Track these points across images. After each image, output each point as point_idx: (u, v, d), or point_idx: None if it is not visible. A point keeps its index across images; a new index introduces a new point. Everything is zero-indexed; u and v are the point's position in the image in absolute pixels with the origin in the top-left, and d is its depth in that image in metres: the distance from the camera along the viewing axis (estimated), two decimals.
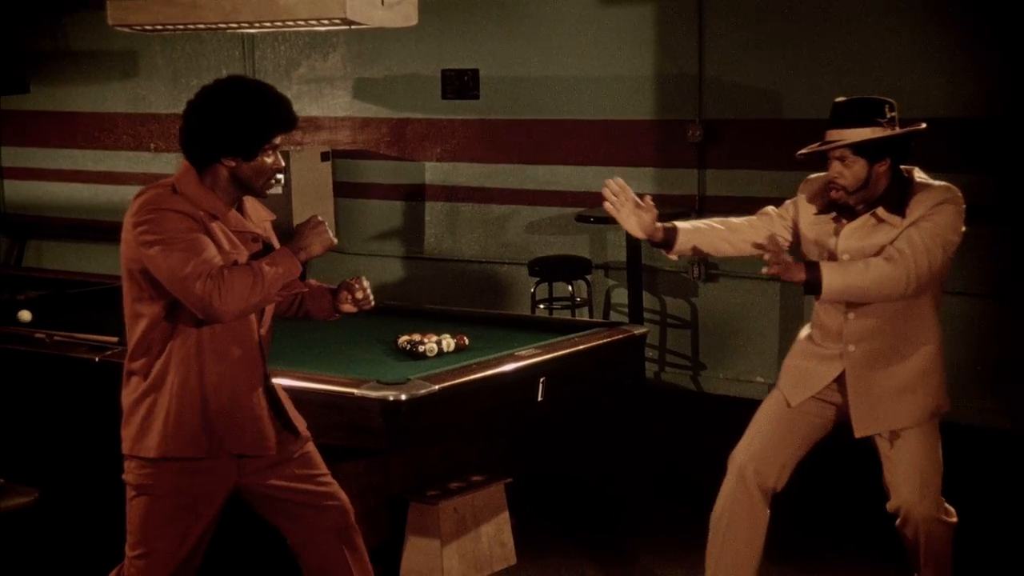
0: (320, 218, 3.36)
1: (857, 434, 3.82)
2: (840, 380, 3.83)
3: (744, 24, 6.87)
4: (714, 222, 3.95)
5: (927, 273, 3.62)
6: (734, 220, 3.94)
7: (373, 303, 3.50)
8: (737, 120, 6.95)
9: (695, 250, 3.94)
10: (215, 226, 3.20)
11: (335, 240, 3.37)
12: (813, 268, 3.64)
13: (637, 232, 3.86)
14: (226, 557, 3.56)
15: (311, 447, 3.47)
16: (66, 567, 4.69)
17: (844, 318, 3.79)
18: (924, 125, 3.75)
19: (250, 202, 3.37)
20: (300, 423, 3.44)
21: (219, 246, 3.18)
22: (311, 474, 3.43)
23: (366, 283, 3.49)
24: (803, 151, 3.80)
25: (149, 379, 3.23)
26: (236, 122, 3.18)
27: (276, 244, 3.37)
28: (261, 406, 3.33)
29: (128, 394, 3.29)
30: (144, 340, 3.24)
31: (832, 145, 3.67)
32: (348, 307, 3.49)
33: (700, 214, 7.06)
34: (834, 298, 3.67)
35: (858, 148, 3.65)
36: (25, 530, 4.55)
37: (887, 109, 3.69)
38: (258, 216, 3.39)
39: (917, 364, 3.78)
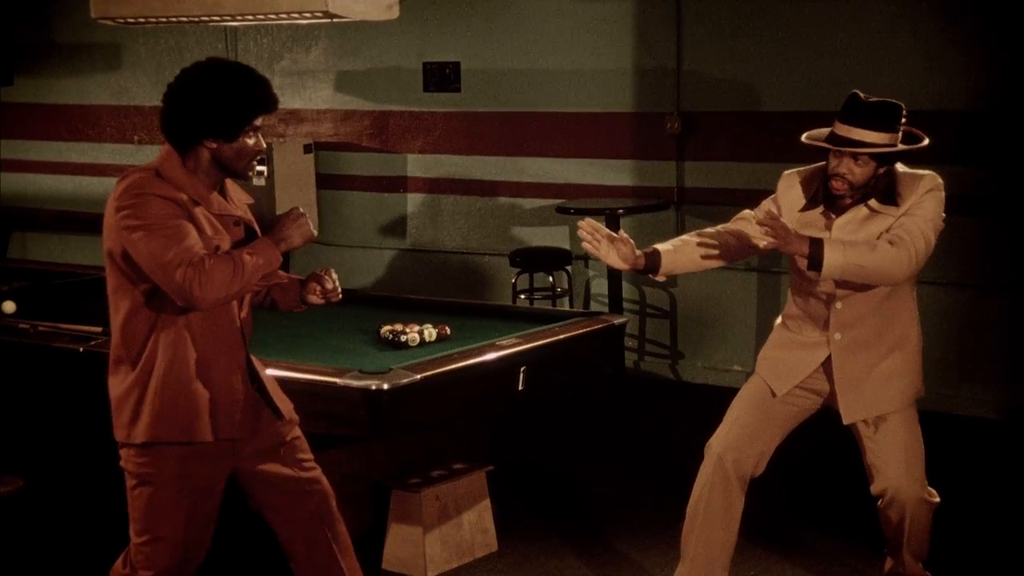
0: (301, 210, 3.36)
1: (846, 420, 3.86)
2: (824, 367, 3.88)
3: (722, 17, 6.91)
4: (692, 237, 3.95)
5: (923, 258, 3.69)
6: (710, 231, 3.94)
7: (341, 295, 3.50)
8: (715, 112, 7.00)
9: (682, 269, 3.96)
10: (198, 211, 3.20)
11: (315, 232, 3.38)
12: (816, 243, 3.64)
13: (620, 264, 3.85)
14: (227, 552, 3.59)
15: (299, 432, 3.49)
16: (52, 556, 4.71)
17: (831, 307, 3.83)
18: (927, 143, 3.76)
19: (231, 185, 3.37)
20: (286, 405, 3.45)
21: (201, 231, 3.19)
22: (299, 459, 3.45)
23: (335, 275, 3.49)
24: (815, 143, 3.76)
25: (138, 366, 3.23)
26: (217, 103, 3.18)
27: (256, 227, 3.38)
28: (245, 389, 3.34)
29: (117, 383, 3.29)
30: (128, 326, 3.24)
31: (860, 150, 3.65)
32: (315, 298, 3.48)
33: (679, 206, 7.12)
34: (834, 275, 3.67)
35: (877, 154, 3.68)
36: (10, 519, 4.57)
37: (903, 114, 3.72)
38: (239, 198, 3.39)
39: (900, 350, 3.85)
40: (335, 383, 3.98)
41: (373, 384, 3.93)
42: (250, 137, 3.25)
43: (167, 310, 3.21)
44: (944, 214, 3.78)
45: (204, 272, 3.10)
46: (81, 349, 4.53)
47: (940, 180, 3.78)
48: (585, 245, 3.85)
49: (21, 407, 4.99)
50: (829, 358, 3.87)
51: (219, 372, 3.28)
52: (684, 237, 3.97)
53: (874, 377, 3.83)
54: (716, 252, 3.92)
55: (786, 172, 3.97)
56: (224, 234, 3.26)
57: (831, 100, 3.82)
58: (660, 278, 3.95)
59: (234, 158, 3.25)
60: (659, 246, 3.91)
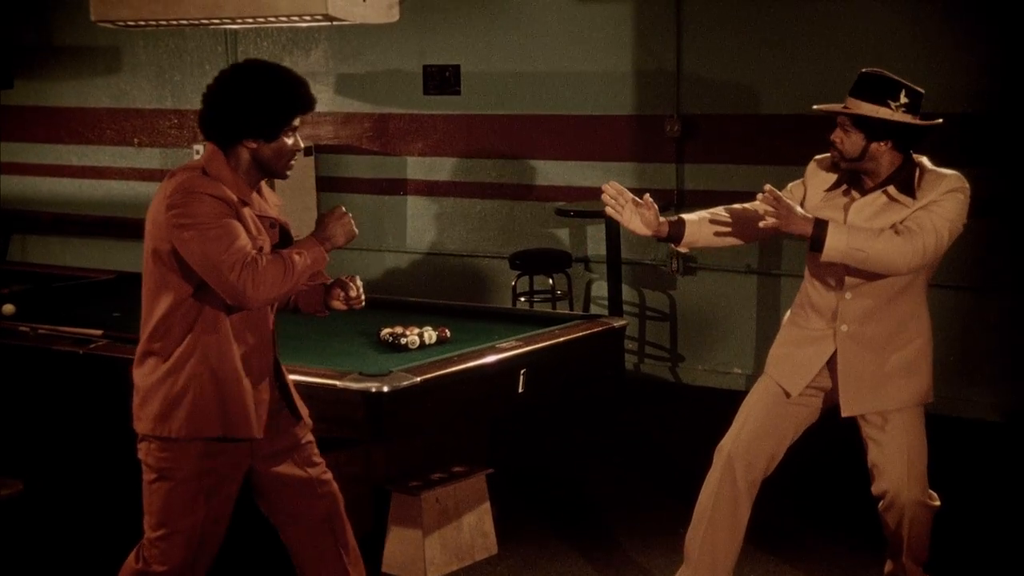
0: (344, 208, 3.38)
1: (844, 412, 3.83)
2: (830, 363, 3.84)
3: (722, 19, 6.91)
4: (718, 210, 3.92)
5: (932, 254, 3.66)
6: (736, 207, 3.91)
7: (364, 303, 3.52)
8: (715, 115, 7.00)
9: (705, 242, 3.89)
10: (245, 211, 3.24)
11: (357, 231, 3.40)
12: (820, 224, 3.62)
13: (643, 230, 3.80)
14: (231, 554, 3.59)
15: (311, 436, 3.51)
16: (52, 559, 4.71)
17: (840, 297, 3.79)
18: (940, 120, 3.77)
19: (263, 186, 3.40)
20: (304, 410, 3.49)
21: (248, 231, 3.21)
22: (312, 461, 3.47)
23: (359, 282, 3.50)
24: (817, 107, 3.81)
25: (171, 360, 3.23)
26: (257, 104, 3.20)
27: (290, 229, 3.41)
28: (272, 391, 3.37)
29: (145, 374, 3.28)
30: (165, 321, 3.25)
31: (838, 111, 3.71)
32: (339, 304, 3.49)
33: (679, 208, 7.12)
34: (835, 258, 3.63)
35: (857, 121, 3.68)
36: (10, 522, 4.57)
37: (903, 94, 3.71)
38: (272, 199, 3.43)
39: (907, 351, 3.82)
40: (335, 385, 3.98)
41: (373, 386, 3.93)
42: (289, 137, 3.28)
43: (208, 308, 3.23)
44: (966, 219, 3.74)
45: (258, 273, 3.13)
46: (81, 352, 4.53)
47: (966, 183, 3.75)
48: (607, 209, 3.79)
49: (21, 410, 4.98)
50: (835, 353, 3.83)
51: (253, 371, 3.31)
52: (711, 210, 3.93)
53: (877, 373, 3.80)
54: (741, 228, 3.89)
55: (815, 157, 3.95)
56: (265, 235, 3.30)
57: (831, 102, 3.82)
58: (683, 249, 3.89)
59: (273, 158, 3.27)
60: (685, 216, 3.87)
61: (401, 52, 7.82)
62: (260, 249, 3.23)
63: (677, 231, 3.83)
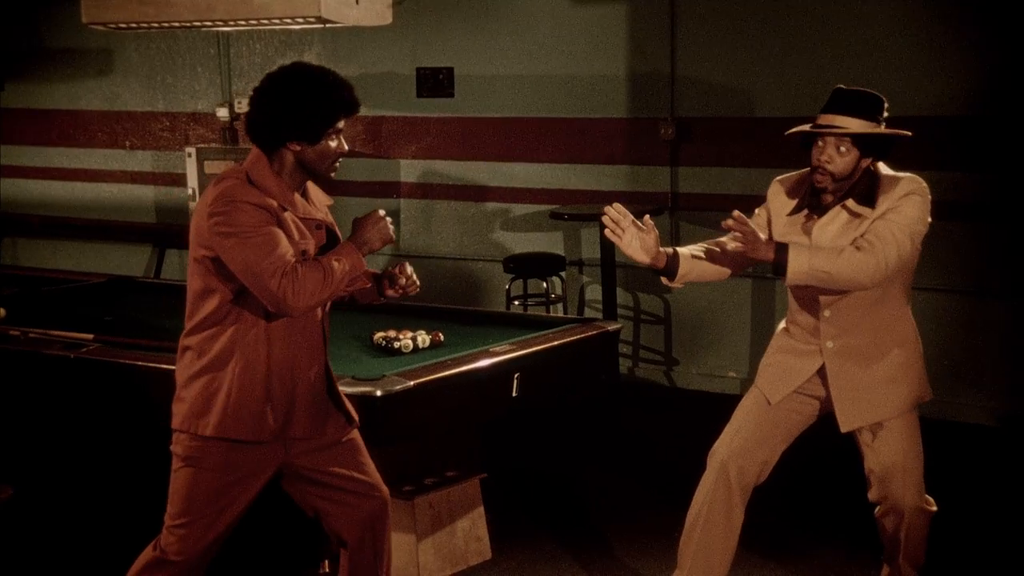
0: (382, 212, 3.42)
1: (843, 429, 3.83)
2: (821, 374, 3.85)
3: (716, 23, 6.91)
4: (709, 245, 3.90)
5: (896, 263, 3.64)
6: (723, 239, 3.88)
7: (419, 287, 3.58)
8: (709, 118, 7.00)
9: (696, 277, 3.86)
10: (286, 216, 3.27)
11: (393, 235, 3.44)
12: (781, 249, 3.62)
13: (641, 256, 3.73)
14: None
15: (357, 435, 3.53)
16: (41, 564, 4.68)
17: (819, 315, 3.80)
18: (910, 133, 3.76)
19: (311, 186, 3.43)
20: (354, 414, 3.52)
21: (290, 237, 3.25)
22: (361, 462, 3.51)
23: (410, 269, 3.57)
24: (796, 129, 3.75)
25: (208, 357, 3.28)
26: (301, 107, 3.24)
27: (336, 229, 3.45)
28: (321, 391, 3.41)
29: (184, 368, 3.34)
30: (207, 321, 3.29)
31: (838, 131, 3.65)
32: (393, 292, 3.57)
33: (673, 212, 7.12)
34: (799, 281, 3.64)
35: (858, 139, 3.66)
36: (0, 527, 4.55)
37: (884, 107, 3.72)
38: (319, 200, 3.46)
39: (896, 357, 3.81)
40: None
41: (366, 391, 3.91)
42: (332, 139, 3.31)
43: (251, 311, 3.27)
44: (929, 219, 3.73)
45: (297, 280, 3.17)
46: (72, 356, 4.51)
47: (922, 183, 3.73)
48: (607, 232, 3.74)
49: (11, 415, 4.96)
50: (824, 366, 3.84)
51: (299, 374, 3.34)
52: (702, 244, 3.91)
53: (870, 384, 3.80)
54: (728, 260, 3.87)
55: (776, 178, 3.95)
56: (309, 238, 3.33)
57: (824, 106, 3.80)
58: (677, 284, 3.85)
59: (317, 160, 3.31)
60: (679, 249, 3.83)
61: (394, 54, 7.80)
62: (304, 253, 3.28)
63: (672, 265, 3.80)
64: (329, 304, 3.44)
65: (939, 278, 6.29)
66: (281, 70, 3.33)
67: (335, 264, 3.27)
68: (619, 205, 3.75)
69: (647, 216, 3.79)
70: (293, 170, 3.31)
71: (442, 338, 4.64)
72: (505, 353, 4.41)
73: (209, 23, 5.48)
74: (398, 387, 3.96)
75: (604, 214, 3.74)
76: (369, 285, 3.57)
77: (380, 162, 8.01)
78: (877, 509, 3.88)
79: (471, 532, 4.65)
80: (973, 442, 6.13)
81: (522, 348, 4.49)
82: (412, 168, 7.93)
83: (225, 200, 3.21)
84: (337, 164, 3.36)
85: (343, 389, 3.94)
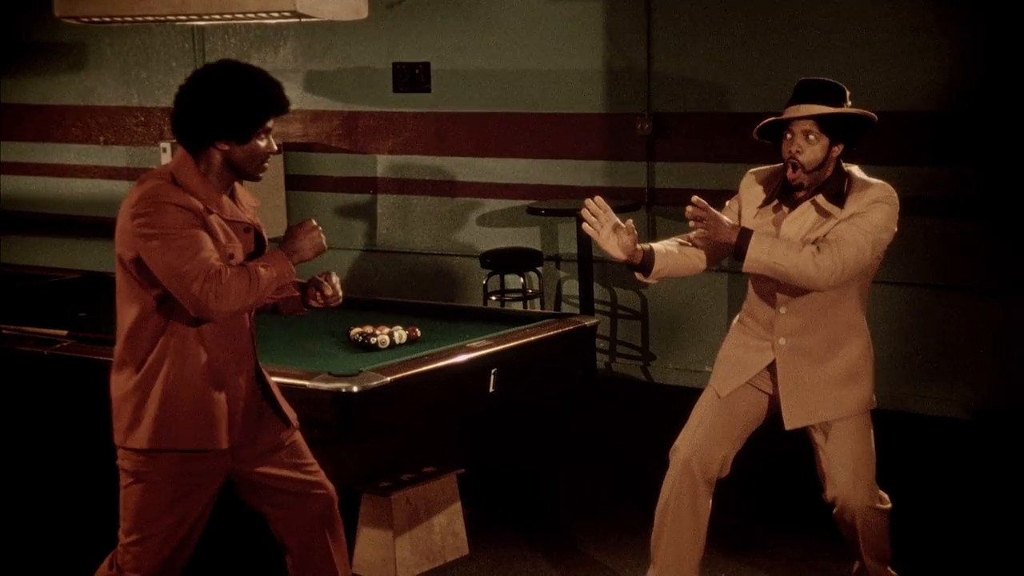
0: (314, 222, 3.36)
1: (787, 426, 3.86)
2: (772, 369, 3.86)
3: (692, 18, 6.92)
4: (681, 239, 3.91)
5: (853, 267, 3.64)
6: (691, 235, 3.89)
7: (341, 299, 3.49)
8: (686, 113, 7.01)
9: (670, 272, 3.86)
10: (212, 219, 3.20)
11: (326, 245, 3.37)
12: (744, 234, 3.63)
13: (618, 253, 3.73)
14: (215, 548, 3.55)
15: (298, 436, 3.49)
16: (13, 562, 4.65)
17: (776, 312, 3.82)
18: (874, 116, 3.76)
19: (238, 188, 3.37)
20: (291, 413, 3.47)
21: (216, 240, 3.19)
22: (299, 463, 3.46)
23: (335, 279, 3.48)
24: (767, 121, 3.75)
25: (142, 370, 3.22)
26: (229, 105, 3.17)
27: (264, 232, 3.38)
28: (254, 396, 3.36)
29: (119, 385, 3.27)
30: (136, 331, 3.22)
31: (803, 115, 3.65)
32: (316, 303, 3.48)
33: (649, 207, 7.12)
34: (756, 269, 3.65)
35: (824, 125, 3.65)
36: None
37: (847, 95, 3.72)
38: (247, 202, 3.40)
39: (846, 360, 3.82)
40: (304, 386, 3.96)
41: (343, 386, 3.91)
42: (262, 139, 3.25)
43: (177, 317, 3.21)
44: (895, 228, 3.73)
45: (221, 285, 3.10)
46: (45, 352, 4.49)
47: (892, 192, 3.73)
48: (585, 226, 3.73)
49: None
50: (775, 362, 3.86)
51: (229, 378, 3.28)
52: (670, 241, 3.91)
53: (818, 384, 3.81)
54: (701, 254, 3.88)
55: (749, 171, 3.96)
56: (236, 241, 3.27)
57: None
58: (651, 280, 3.85)
59: (246, 160, 3.24)
60: (654, 245, 3.83)
61: (370, 49, 7.78)
62: (230, 256, 3.21)
63: (647, 261, 3.79)
64: (254, 311, 3.38)
65: (908, 271, 6.31)
66: (208, 68, 3.26)
67: (262, 271, 3.20)
68: (600, 199, 3.74)
69: (630, 221, 3.79)
70: (220, 171, 3.24)
71: (419, 333, 4.64)
72: (482, 349, 4.40)
73: (184, 17, 5.45)
74: (375, 383, 3.95)
75: (582, 208, 3.73)
76: (297, 294, 3.50)
77: (356, 157, 7.99)
78: (833, 510, 3.92)
79: (448, 528, 4.64)
80: (944, 435, 6.15)
81: (499, 343, 4.49)
82: (388, 163, 7.91)
83: (149, 201, 3.14)
84: (266, 165, 3.29)
85: (318, 385, 3.94)
